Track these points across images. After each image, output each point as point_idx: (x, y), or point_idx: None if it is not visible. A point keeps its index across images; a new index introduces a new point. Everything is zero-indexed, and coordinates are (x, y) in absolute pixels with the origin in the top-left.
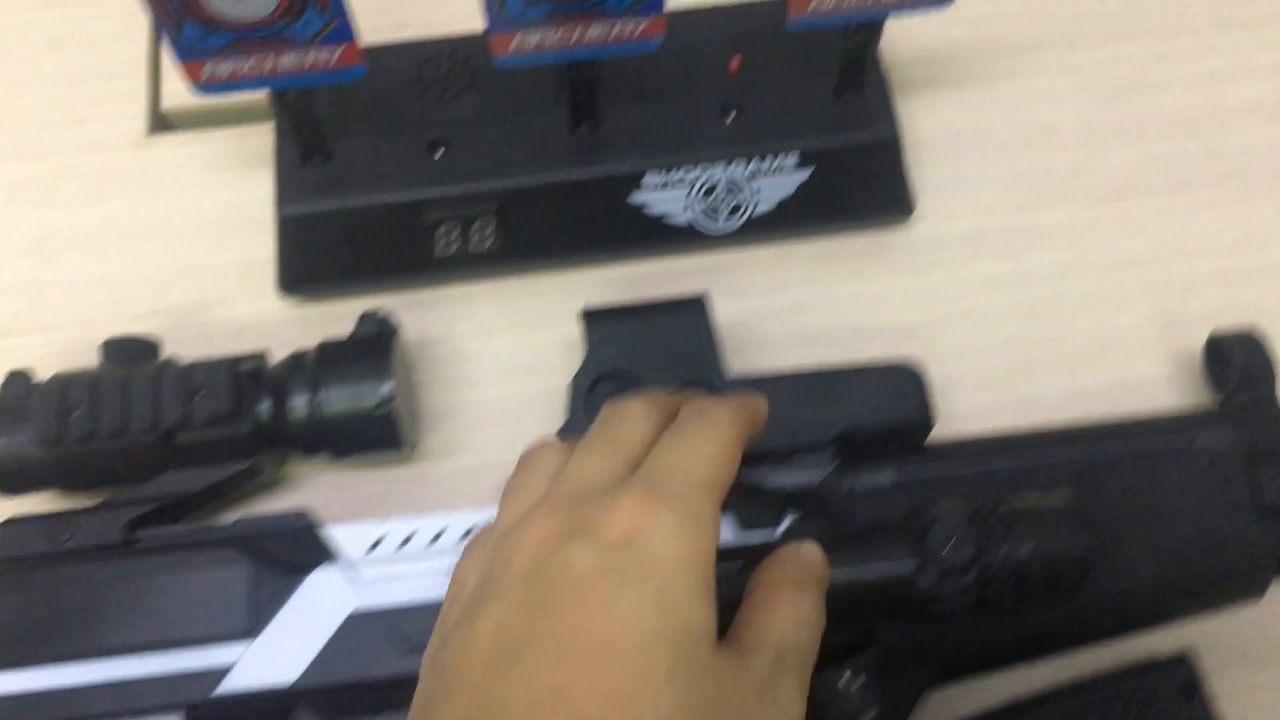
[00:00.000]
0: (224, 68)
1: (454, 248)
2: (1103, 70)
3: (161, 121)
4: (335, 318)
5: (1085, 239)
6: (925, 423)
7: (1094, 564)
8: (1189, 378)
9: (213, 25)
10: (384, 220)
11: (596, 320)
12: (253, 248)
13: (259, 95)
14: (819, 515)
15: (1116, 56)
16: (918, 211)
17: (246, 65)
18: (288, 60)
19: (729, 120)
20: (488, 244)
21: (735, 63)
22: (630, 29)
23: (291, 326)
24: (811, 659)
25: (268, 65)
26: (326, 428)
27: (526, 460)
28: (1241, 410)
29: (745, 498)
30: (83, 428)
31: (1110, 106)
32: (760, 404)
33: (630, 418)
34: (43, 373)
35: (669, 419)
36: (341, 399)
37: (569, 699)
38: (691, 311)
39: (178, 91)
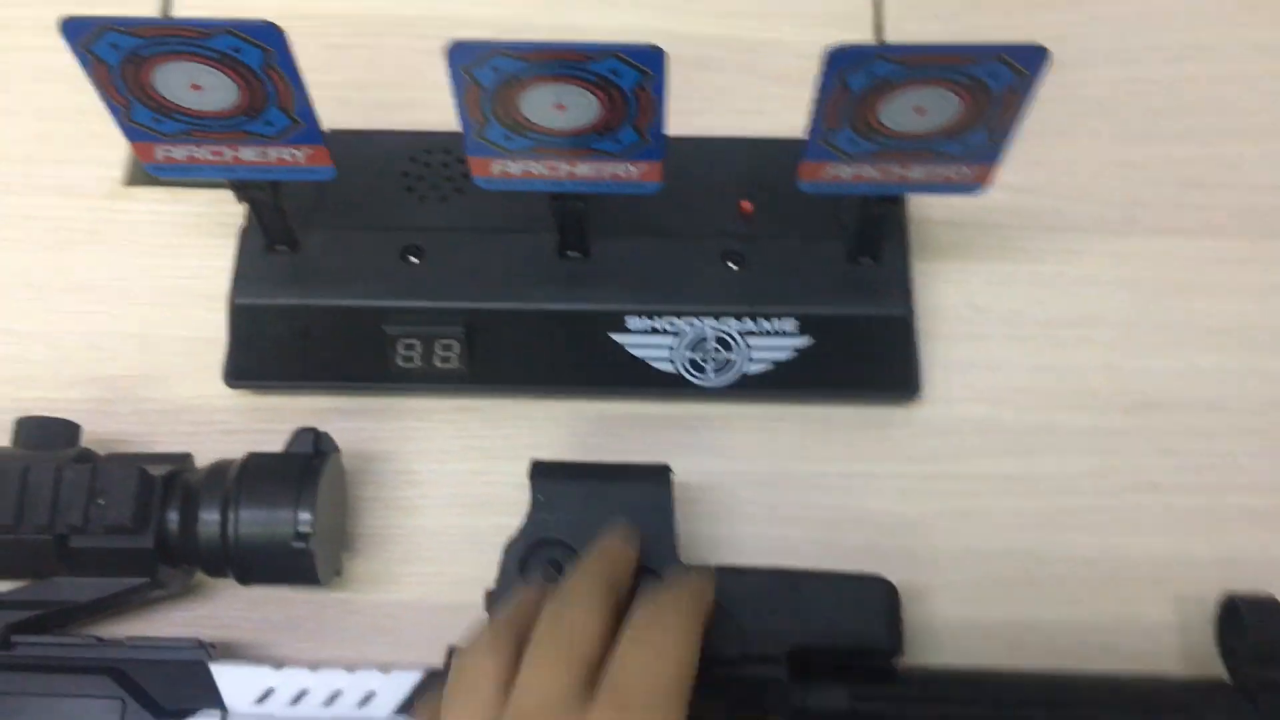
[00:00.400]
0: (179, 152)
1: (416, 362)
2: (1153, 264)
3: (140, 173)
4: (282, 413)
5: (1107, 450)
6: (893, 648)
7: None
8: (1199, 628)
9: (166, 110)
10: (344, 324)
11: (546, 476)
12: (207, 324)
13: None
14: None
15: (1170, 251)
16: (926, 389)
17: (205, 153)
18: (249, 153)
19: (730, 270)
20: (452, 363)
21: (746, 207)
22: (625, 171)
23: (234, 417)
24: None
25: (228, 156)
26: (236, 552)
27: (463, 671)
28: (1258, 689)
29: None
30: None
31: (1155, 305)
32: (709, 589)
33: (579, 610)
34: None
35: (618, 604)
36: (255, 524)
37: None
38: (653, 483)
39: None
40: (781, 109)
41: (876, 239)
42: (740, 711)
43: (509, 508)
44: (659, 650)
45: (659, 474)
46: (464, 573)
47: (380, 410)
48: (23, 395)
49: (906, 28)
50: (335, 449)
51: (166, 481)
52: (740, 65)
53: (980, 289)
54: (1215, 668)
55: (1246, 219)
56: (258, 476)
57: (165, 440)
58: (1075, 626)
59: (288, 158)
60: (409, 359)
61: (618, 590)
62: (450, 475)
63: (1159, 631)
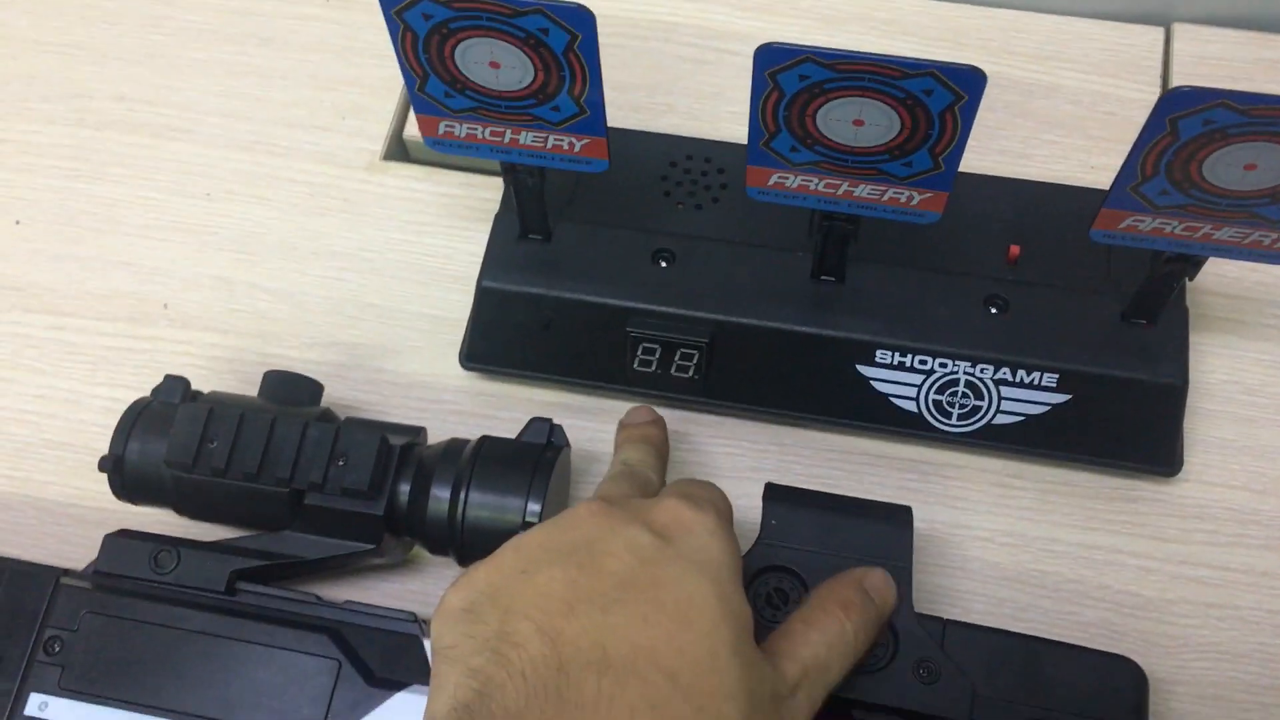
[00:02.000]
0: (461, 129)
1: (653, 367)
2: None
3: (400, 148)
4: (514, 401)
5: None
6: None
7: None
8: None
9: (459, 86)
10: (587, 320)
11: (780, 501)
12: (450, 304)
13: None
14: None
15: None
16: (1184, 469)
17: (485, 132)
18: (528, 138)
19: (990, 314)
20: (690, 373)
21: (1014, 251)
22: (906, 198)
23: (465, 399)
24: (833, 680)
25: (507, 138)
26: (461, 532)
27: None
28: None
29: None
30: (216, 461)
31: None
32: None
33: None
34: (207, 376)
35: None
36: (484, 507)
37: (659, 660)
38: (893, 524)
39: None
40: (1050, 156)
41: (1158, 300)
42: None
43: None
44: (700, 489)
45: (901, 515)
46: None
47: (607, 410)
48: (268, 350)
49: (1196, 80)
50: (567, 443)
51: (403, 452)
52: (1011, 105)
53: (1253, 369)
54: None
55: None
56: (492, 461)
57: (397, 412)
58: None
59: (565, 145)
60: (647, 363)
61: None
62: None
63: None
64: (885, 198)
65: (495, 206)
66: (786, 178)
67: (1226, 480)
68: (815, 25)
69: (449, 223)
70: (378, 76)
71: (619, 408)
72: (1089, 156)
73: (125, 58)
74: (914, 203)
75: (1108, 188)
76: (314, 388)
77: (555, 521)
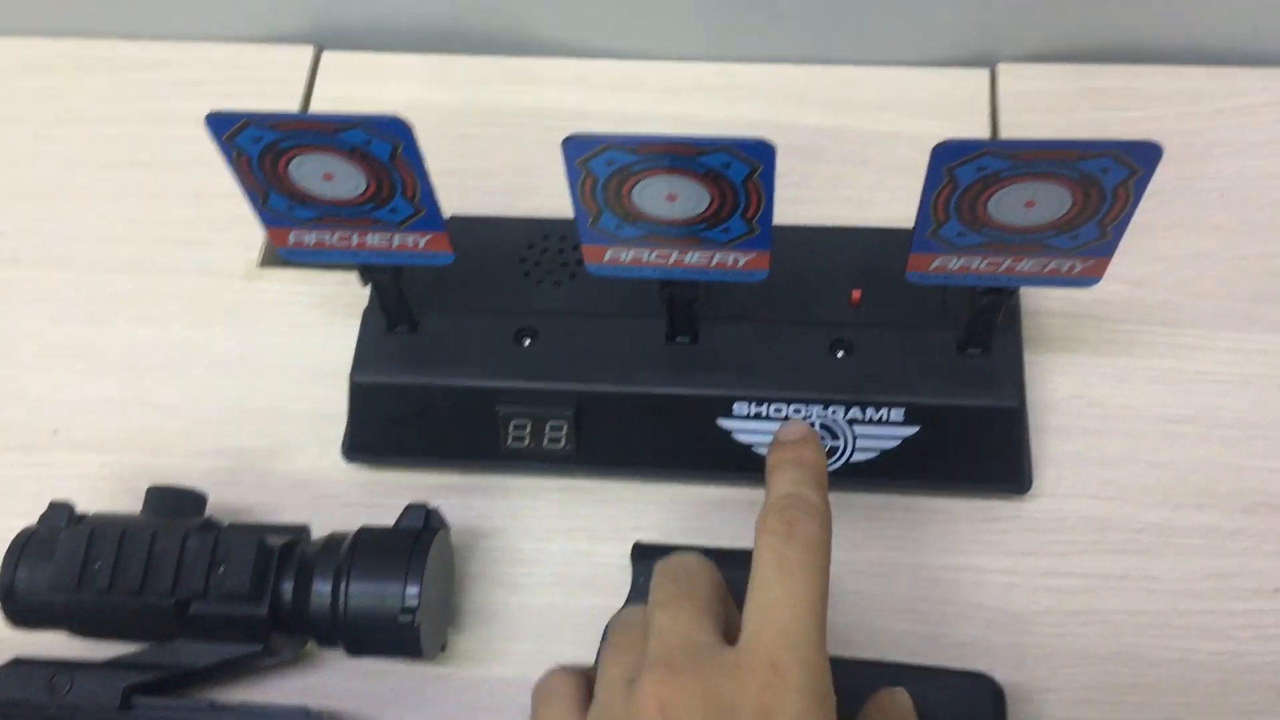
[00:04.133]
0: (310, 238)
1: (526, 442)
2: (1274, 362)
3: (275, 256)
4: (397, 488)
5: (1226, 552)
6: None
7: None
8: None
9: (299, 198)
10: (458, 404)
11: (648, 558)
12: (332, 399)
13: None
14: None
15: None
16: (1037, 484)
17: (333, 237)
18: (374, 239)
19: (837, 359)
20: (561, 444)
21: (856, 296)
22: (732, 260)
23: (351, 491)
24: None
25: (355, 241)
26: (345, 623)
27: (615, 624)
28: None
29: None
30: (100, 581)
31: (1275, 405)
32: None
33: (690, 569)
34: (98, 496)
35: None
36: (365, 596)
37: None
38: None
39: None
40: (893, 200)
41: (986, 330)
42: None
43: (612, 588)
44: (791, 594)
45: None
46: (566, 652)
47: (489, 488)
48: (158, 464)
49: (1024, 120)
50: (444, 525)
51: (283, 552)
52: (851, 156)
53: (1095, 383)
54: None
55: None
56: (369, 550)
57: (288, 511)
58: None
59: (410, 243)
60: (519, 439)
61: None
62: (555, 554)
63: None
64: (713, 262)
65: (365, 302)
66: (620, 252)
67: (1078, 491)
68: (663, 98)
69: (327, 321)
70: None
71: (500, 483)
72: None
73: (2, 193)
74: (740, 264)
75: None
76: (197, 499)
77: (628, 698)
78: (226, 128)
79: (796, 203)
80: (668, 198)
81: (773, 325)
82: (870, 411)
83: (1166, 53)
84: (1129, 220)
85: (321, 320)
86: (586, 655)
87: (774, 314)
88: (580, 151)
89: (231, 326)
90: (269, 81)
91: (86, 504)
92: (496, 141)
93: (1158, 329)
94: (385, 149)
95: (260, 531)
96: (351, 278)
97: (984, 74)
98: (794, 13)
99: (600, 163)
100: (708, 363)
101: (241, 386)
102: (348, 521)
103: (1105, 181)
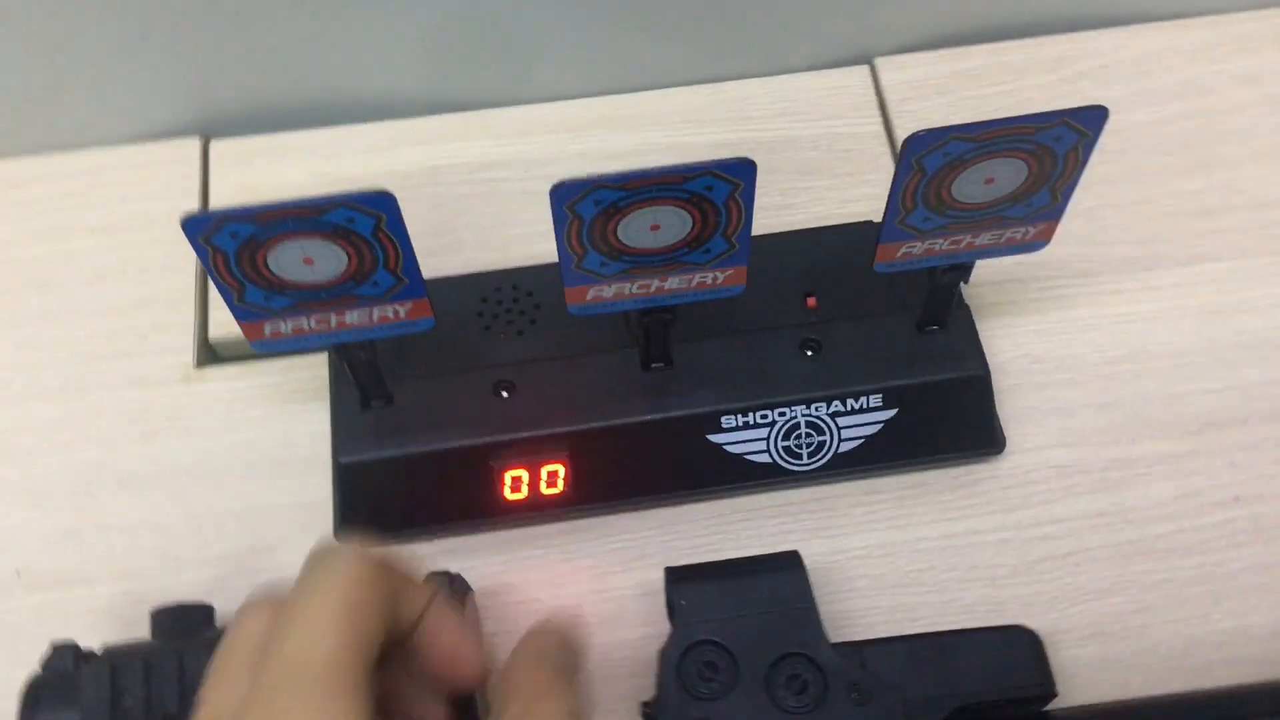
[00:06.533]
0: (286, 326)
1: (523, 492)
2: (1186, 292)
3: (210, 353)
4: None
5: (1183, 473)
6: (1047, 691)
7: None
8: None
9: (278, 287)
10: (451, 466)
11: (682, 581)
12: (308, 487)
13: None
14: None
15: (1199, 277)
16: (1008, 444)
17: (311, 322)
18: (354, 317)
19: (808, 357)
20: (559, 487)
21: (812, 301)
22: (712, 278)
23: None
24: None
25: (333, 322)
26: None
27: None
28: None
29: None
30: (135, 714)
31: (1196, 330)
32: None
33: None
34: (87, 632)
35: None
36: None
37: None
38: (785, 569)
39: (226, 320)
40: (809, 200)
41: (945, 306)
42: None
43: (635, 619)
44: (302, 624)
45: (790, 560)
46: (609, 690)
47: (486, 546)
48: (140, 587)
49: (911, 108)
50: (469, 589)
51: None
52: (762, 164)
53: (1032, 340)
54: None
55: (1262, 235)
56: None
57: None
58: (1195, 645)
59: (390, 314)
60: (517, 490)
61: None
62: (569, 597)
63: (1272, 639)
64: (694, 283)
65: (319, 382)
66: (603, 290)
67: (1042, 443)
68: (567, 137)
69: (280, 410)
70: (167, 289)
71: (496, 540)
72: (842, 193)
73: None
74: (720, 281)
75: (865, 218)
76: (205, 611)
77: None
78: (203, 228)
79: None
80: (651, 228)
81: (741, 336)
82: (850, 402)
83: (1025, 26)
84: (1077, 183)
85: (275, 411)
86: (628, 690)
87: (738, 326)
88: (569, 196)
89: (180, 434)
90: (161, 180)
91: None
92: (409, 204)
93: (1075, 282)
94: (369, 224)
95: None
96: (295, 361)
97: (865, 70)
98: (678, 37)
99: (588, 204)
100: (688, 383)
101: (207, 492)
102: None
103: (1058, 149)
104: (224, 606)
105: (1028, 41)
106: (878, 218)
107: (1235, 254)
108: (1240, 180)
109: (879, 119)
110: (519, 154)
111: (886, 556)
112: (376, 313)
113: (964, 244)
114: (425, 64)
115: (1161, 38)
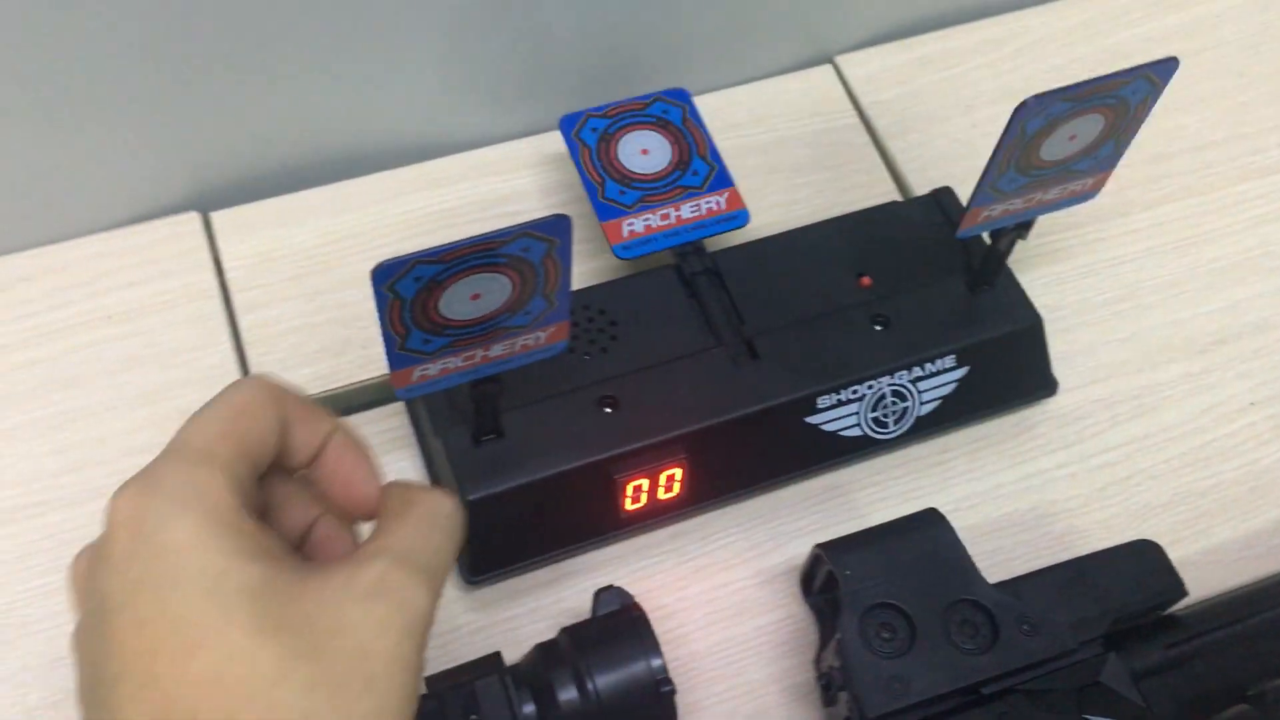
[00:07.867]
0: (434, 368)
1: (643, 500)
2: (1161, 230)
3: None
4: (519, 594)
5: (1202, 388)
6: (1179, 593)
7: None
8: None
9: (439, 329)
10: (576, 485)
11: (839, 551)
12: None
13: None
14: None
15: (1168, 217)
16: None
17: (458, 360)
18: (498, 349)
19: (879, 332)
20: (675, 490)
21: (866, 280)
22: (535, 339)
23: (476, 615)
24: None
25: (478, 356)
26: (603, 717)
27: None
28: None
29: (1033, 708)
30: None
31: (1179, 261)
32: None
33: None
34: None
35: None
36: (617, 686)
37: None
38: (930, 525)
39: None
40: (812, 194)
41: (998, 266)
42: (1093, 705)
43: (761, 607)
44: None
45: (933, 517)
46: (751, 679)
47: (605, 562)
48: None
49: (879, 98)
50: (632, 600)
51: (507, 676)
52: (757, 168)
53: (1044, 292)
54: None
55: (1206, 174)
56: (595, 643)
57: (430, 663)
58: (1253, 538)
59: (532, 341)
60: (637, 499)
61: None
62: (697, 597)
63: None
64: (518, 346)
65: (394, 433)
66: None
67: (1080, 383)
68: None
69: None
70: (203, 367)
71: (613, 555)
72: (839, 182)
73: None
74: (542, 341)
75: (866, 204)
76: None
77: None
78: (392, 275)
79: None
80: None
81: (815, 322)
82: (928, 365)
83: (960, 12)
84: (1136, 132)
85: None
86: (774, 671)
87: (811, 313)
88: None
89: None
90: (169, 258)
91: None
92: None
93: (1066, 234)
94: (541, 250)
95: (467, 681)
96: (361, 419)
97: (829, 68)
98: (651, 58)
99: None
100: (776, 373)
101: None
102: (484, 646)
103: (1133, 100)
104: None
105: (964, 27)
106: (876, 201)
107: (1188, 193)
108: (1177, 128)
109: (854, 112)
110: (531, 185)
111: (973, 507)
112: (519, 342)
113: (1035, 201)
114: (423, 109)
115: (1082, 12)
